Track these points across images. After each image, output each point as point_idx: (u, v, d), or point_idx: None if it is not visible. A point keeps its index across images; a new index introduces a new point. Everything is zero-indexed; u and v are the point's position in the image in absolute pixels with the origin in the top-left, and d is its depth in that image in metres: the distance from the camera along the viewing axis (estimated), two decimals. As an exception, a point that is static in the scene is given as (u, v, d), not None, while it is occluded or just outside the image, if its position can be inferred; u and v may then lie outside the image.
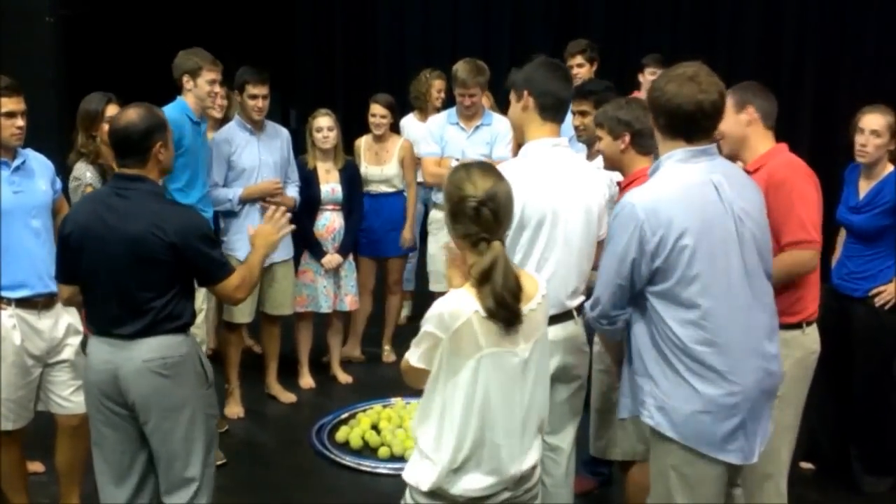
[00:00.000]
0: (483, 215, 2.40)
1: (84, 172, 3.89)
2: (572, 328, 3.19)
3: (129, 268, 2.91)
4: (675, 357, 2.59)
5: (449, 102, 5.90)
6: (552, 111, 3.17)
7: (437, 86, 6.22)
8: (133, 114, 2.97)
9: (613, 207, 3.39)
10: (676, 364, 2.59)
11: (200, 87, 4.50)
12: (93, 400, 3.05)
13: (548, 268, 3.07)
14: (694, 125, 2.61)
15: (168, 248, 2.90)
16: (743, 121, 3.24)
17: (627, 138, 3.30)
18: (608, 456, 3.50)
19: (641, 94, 5.55)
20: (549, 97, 3.15)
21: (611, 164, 3.42)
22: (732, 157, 3.20)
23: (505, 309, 2.38)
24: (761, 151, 3.25)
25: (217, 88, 4.59)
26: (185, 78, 4.50)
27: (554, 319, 3.06)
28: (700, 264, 2.55)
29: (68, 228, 3.00)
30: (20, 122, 3.45)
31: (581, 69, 5.52)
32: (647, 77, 6.09)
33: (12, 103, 3.43)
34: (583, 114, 3.90)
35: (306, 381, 5.43)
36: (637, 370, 2.71)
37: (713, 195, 2.60)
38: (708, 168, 2.64)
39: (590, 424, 3.52)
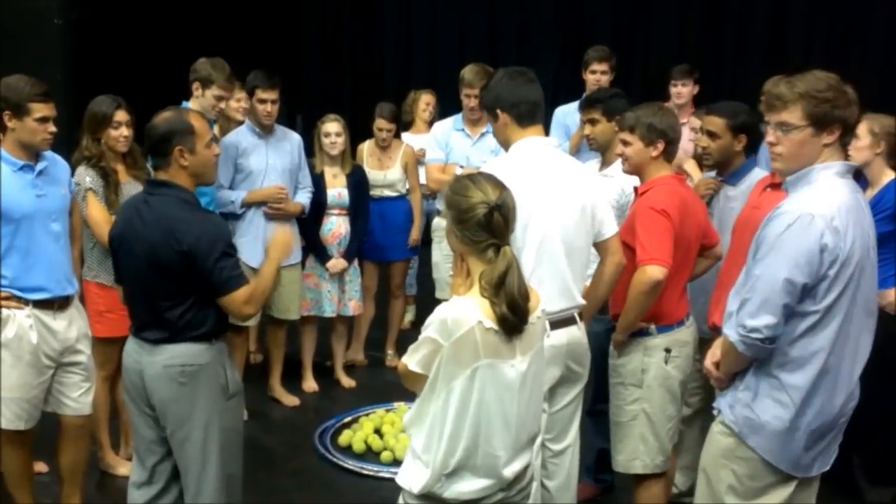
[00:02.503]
0: (495, 221, 2.40)
1: (83, 177, 3.92)
2: (576, 333, 3.17)
3: (148, 275, 2.92)
4: (781, 377, 2.54)
5: (440, 115, 5.98)
6: (528, 116, 3.17)
7: (424, 99, 6.41)
8: (159, 116, 2.98)
9: (625, 214, 3.41)
10: (778, 382, 2.54)
11: (207, 98, 4.57)
12: (129, 396, 3.12)
13: (546, 264, 3.04)
14: None
15: (181, 257, 2.86)
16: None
17: (662, 146, 3.29)
18: (630, 470, 3.41)
19: (669, 105, 5.14)
20: (520, 106, 3.15)
21: (634, 169, 3.38)
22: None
23: (516, 315, 2.38)
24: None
25: (222, 105, 4.66)
26: (196, 84, 4.58)
27: (558, 324, 3.06)
28: (836, 289, 2.44)
29: (112, 232, 3.09)
30: (52, 127, 3.46)
31: (604, 76, 5.33)
32: (680, 89, 5.55)
33: (46, 109, 3.42)
34: (592, 122, 3.89)
35: (309, 384, 5.45)
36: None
37: (863, 217, 2.47)
38: (853, 186, 2.49)
39: (610, 438, 3.47)
